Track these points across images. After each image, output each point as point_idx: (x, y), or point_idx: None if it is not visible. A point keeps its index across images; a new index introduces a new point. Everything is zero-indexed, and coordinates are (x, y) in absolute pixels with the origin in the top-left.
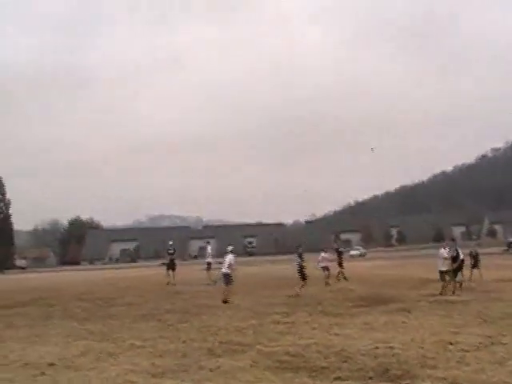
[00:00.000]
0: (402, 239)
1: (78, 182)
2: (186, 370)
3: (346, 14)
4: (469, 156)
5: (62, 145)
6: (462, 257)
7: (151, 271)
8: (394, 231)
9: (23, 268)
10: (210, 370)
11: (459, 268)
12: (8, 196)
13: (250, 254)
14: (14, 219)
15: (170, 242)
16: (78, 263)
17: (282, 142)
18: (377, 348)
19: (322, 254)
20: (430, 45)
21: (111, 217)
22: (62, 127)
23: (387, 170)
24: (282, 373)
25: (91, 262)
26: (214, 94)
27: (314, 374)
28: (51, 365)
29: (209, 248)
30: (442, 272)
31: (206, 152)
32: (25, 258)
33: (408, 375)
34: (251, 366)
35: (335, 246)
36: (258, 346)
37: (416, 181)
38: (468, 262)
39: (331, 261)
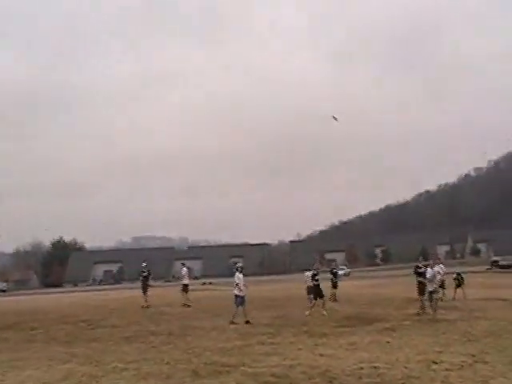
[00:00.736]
0: (386, 258)
1: (62, 203)
2: None
3: (335, 30)
4: (452, 175)
5: (44, 165)
6: (439, 277)
7: (135, 293)
8: (378, 250)
9: (3, 291)
10: None
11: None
12: None
13: None
14: None
15: (144, 264)
16: (60, 285)
17: (268, 162)
18: (361, 368)
19: (307, 274)
20: (416, 64)
21: (95, 238)
22: (45, 147)
23: (371, 189)
24: None
25: (75, 284)
26: (200, 113)
27: None
28: None
29: (184, 270)
30: (430, 292)
31: (192, 172)
32: (6, 281)
33: None
34: None
35: (318, 266)
36: (242, 367)
37: (400, 200)
38: (451, 281)
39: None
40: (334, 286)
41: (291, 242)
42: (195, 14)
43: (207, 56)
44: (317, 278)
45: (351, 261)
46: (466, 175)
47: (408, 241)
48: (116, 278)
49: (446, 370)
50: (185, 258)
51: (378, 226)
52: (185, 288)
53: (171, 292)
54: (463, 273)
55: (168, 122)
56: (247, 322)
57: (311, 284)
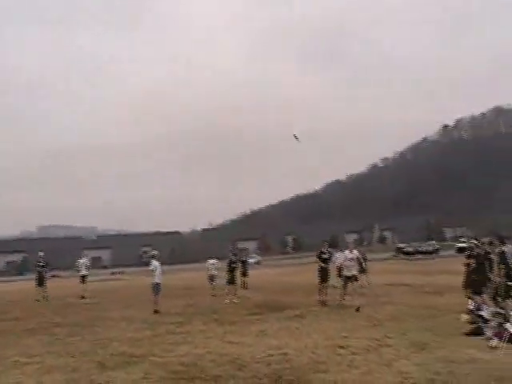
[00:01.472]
0: (297, 247)
1: None
2: None
3: (257, 24)
4: (361, 166)
5: None
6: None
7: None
8: (289, 239)
9: None
10: None
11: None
12: None
13: (146, 264)
14: None
15: (41, 253)
16: None
17: (182, 153)
18: (271, 355)
19: (210, 262)
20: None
21: None
22: None
23: (282, 179)
24: (176, 383)
25: None
26: (122, 104)
27: (208, 383)
28: None
29: (82, 260)
30: (347, 277)
31: (104, 161)
32: None
33: (300, 380)
34: (143, 377)
35: (232, 255)
36: (151, 358)
37: (310, 190)
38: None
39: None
40: (244, 274)
41: (203, 230)
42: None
43: (129, 44)
44: (233, 265)
45: (263, 249)
46: (374, 165)
47: (318, 229)
48: (20, 269)
49: (352, 354)
50: (93, 248)
51: (289, 215)
52: (82, 279)
53: (77, 283)
54: (367, 260)
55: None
56: (156, 312)
57: (214, 272)
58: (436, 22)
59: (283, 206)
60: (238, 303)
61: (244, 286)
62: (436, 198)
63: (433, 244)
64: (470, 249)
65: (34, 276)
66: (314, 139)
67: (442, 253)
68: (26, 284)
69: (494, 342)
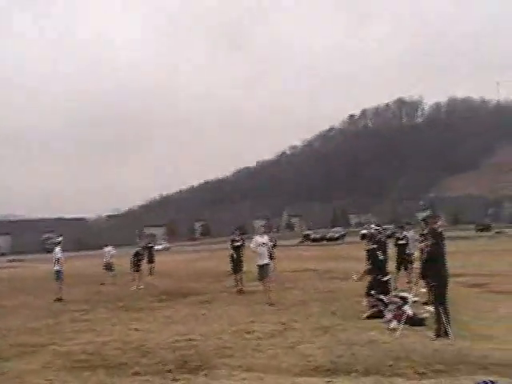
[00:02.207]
0: (206, 233)
1: None
2: None
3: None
4: (270, 153)
5: None
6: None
7: None
8: (198, 225)
9: None
10: None
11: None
12: None
13: (49, 251)
14: None
15: None
16: None
17: (87, 138)
18: (177, 341)
19: (106, 249)
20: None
21: None
22: None
23: (192, 164)
24: (79, 372)
25: None
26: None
27: (111, 370)
28: None
29: None
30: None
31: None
32: None
33: (206, 366)
34: (43, 367)
35: (143, 241)
36: (52, 347)
37: (220, 176)
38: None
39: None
40: (150, 260)
41: (109, 216)
42: None
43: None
44: (140, 254)
45: (171, 235)
46: (283, 153)
47: (227, 215)
48: None
49: (258, 338)
50: None
51: (198, 201)
52: None
53: None
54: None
55: None
56: (59, 300)
57: (110, 260)
58: (345, 12)
59: (192, 191)
60: (144, 289)
61: (150, 273)
62: (342, 186)
63: (339, 231)
64: (371, 235)
65: None
66: (226, 127)
67: (347, 239)
68: None
69: (393, 324)
